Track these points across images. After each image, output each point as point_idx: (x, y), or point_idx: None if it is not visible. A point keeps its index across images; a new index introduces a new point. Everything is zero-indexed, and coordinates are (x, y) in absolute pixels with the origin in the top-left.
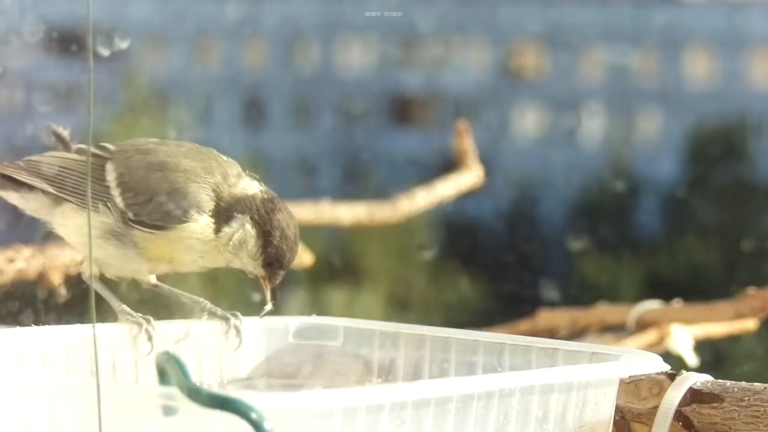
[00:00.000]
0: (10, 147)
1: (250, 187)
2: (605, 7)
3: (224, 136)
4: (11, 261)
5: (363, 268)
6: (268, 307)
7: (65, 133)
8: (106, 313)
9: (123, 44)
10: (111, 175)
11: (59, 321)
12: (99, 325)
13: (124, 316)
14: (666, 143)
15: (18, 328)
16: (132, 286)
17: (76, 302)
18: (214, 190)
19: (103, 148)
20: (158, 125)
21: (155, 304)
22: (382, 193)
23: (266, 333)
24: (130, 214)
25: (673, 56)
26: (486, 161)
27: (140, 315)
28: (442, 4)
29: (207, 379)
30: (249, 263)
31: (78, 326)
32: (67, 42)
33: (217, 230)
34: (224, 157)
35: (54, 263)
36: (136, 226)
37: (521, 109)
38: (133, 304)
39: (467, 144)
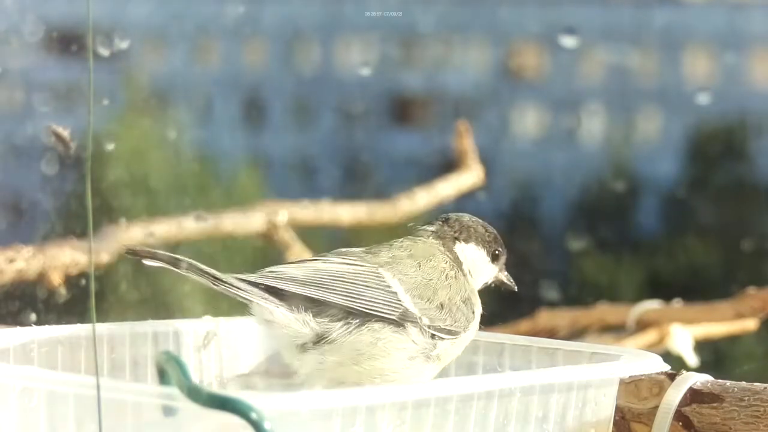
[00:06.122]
0: (10, 147)
1: (429, 229)
2: (605, 7)
3: (224, 136)
4: (11, 261)
5: None
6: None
7: (65, 133)
8: (106, 313)
9: (123, 44)
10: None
11: (59, 321)
12: (99, 325)
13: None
14: (666, 143)
15: (18, 328)
16: (132, 286)
17: (76, 302)
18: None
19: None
20: (158, 125)
21: (156, 304)
22: (382, 193)
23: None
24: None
25: (673, 56)
26: (486, 161)
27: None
28: (442, 4)
29: (207, 379)
30: (484, 270)
31: (78, 326)
32: (67, 42)
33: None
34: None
35: (54, 263)
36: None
37: (521, 109)
38: (133, 304)
39: (467, 144)
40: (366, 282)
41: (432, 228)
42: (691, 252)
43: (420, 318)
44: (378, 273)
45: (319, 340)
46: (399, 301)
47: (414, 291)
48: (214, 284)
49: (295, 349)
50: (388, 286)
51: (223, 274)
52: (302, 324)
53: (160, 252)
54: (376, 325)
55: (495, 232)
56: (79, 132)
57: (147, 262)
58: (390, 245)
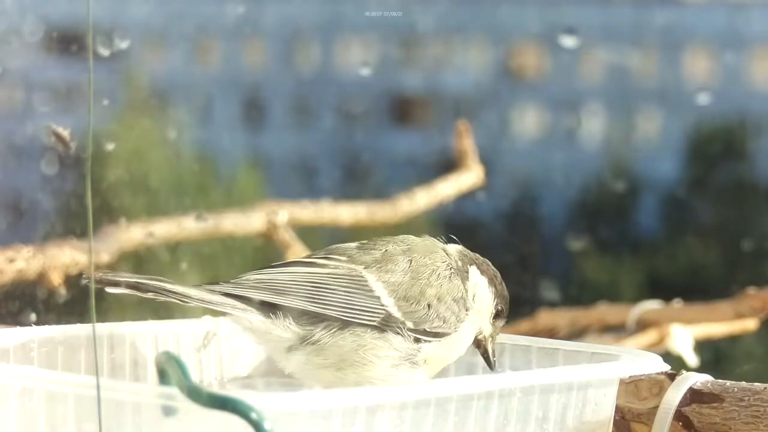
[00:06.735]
0: (10, 147)
1: (453, 246)
2: (605, 7)
3: (224, 136)
4: (11, 261)
5: None
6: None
7: (65, 133)
8: (106, 313)
9: (123, 44)
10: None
11: (59, 321)
12: (99, 325)
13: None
14: (666, 143)
15: (18, 328)
16: None
17: (76, 302)
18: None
19: None
20: (158, 125)
21: (155, 304)
22: (382, 193)
23: None
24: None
25: (673, 56)
26: (486, 161)
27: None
28: (442, 4)
29: (207, 379)
30: (483, 318)
31: (78, 326)
32: (67, 42)
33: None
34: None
35: (54, 263)
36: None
37: (521, 109)
38: (133, 305)
39: (467, 144)
40: (346, 287)
41: (459, 246)
42: (691, 252)
43: (404, 322)
44: (361, 276)
45: (304, 341)
46: (382, 305)
47: (399, 292)
48: (184, 302)
49: (283, 350)
50: (371, 290)
51: (194, 287)
52: (283, 329)
53: (123, 278)
54: (359, 329)
55: (508, 296)
56: (79, 132)
57: (110, 289)
58: (390, 239)
